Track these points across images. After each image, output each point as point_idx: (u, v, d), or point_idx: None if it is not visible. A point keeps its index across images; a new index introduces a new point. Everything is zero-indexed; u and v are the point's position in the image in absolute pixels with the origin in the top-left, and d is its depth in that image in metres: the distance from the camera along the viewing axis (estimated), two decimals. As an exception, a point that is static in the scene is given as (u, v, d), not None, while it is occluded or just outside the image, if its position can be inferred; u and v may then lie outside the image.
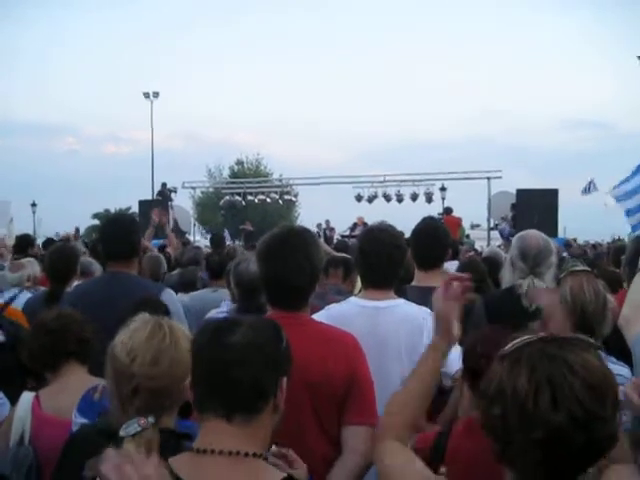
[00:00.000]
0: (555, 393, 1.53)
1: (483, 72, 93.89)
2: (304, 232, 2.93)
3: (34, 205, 39.13)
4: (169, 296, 3.97)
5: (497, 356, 1.68)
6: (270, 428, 1.83)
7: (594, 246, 20.44)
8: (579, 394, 1.52)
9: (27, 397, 3.10)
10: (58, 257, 5.11)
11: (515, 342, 1.66)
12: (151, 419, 2.02)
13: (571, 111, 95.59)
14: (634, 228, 8.49)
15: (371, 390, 2.77)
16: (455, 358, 3.13)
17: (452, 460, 2.42)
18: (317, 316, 3.17)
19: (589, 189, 22.07)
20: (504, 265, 4.54)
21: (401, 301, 3.43)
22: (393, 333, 3.19)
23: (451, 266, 6.98)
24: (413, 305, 3.42)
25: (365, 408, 2.72)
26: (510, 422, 1.56)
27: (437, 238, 4.14)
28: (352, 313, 3.20)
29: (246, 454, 1.72)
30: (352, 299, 3.47)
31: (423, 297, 3.83)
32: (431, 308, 3.60)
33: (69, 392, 2.88)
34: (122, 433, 2.00)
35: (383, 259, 3.35)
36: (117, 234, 4.21)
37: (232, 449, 1.71)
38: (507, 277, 4.31)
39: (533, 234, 4.32)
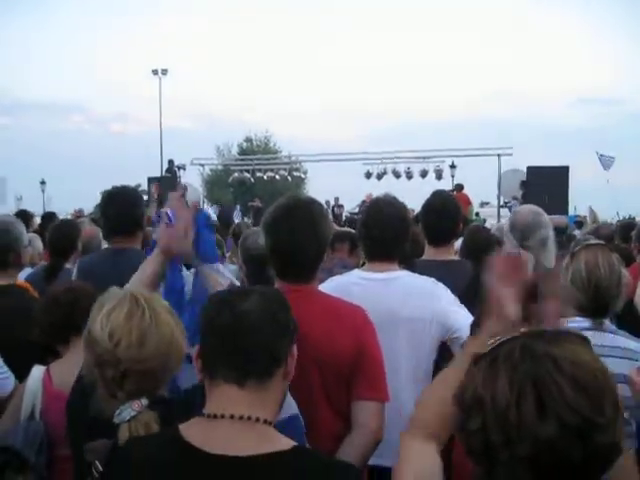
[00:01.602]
0: (541, 398, 1.29)
1: (495, 52, 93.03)
2: (311, 202, 2.86)
3: (43, 183, 39.21)
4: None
5: (472, 358, 1.45)
6: (281, 396, 1.84)
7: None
8: (569, 397, 1.28)
9: (38, 371, 3.07)
10: (59, 232, 5.08)
11: (492, 340, 1.43)
12: (144, 401, 2.00)
13: (583, 89, 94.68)
14: None
15: (381, 365, 2.73)
16: (466, 323, 3.09)
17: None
18: (320, 288, 3.12)
19: (609, 163, 21.91)
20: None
21: (404, 272, 3.36)
22: (398, 304, 3.14)
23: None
24: (417, 276, 3.36)
25: (374, 383, 2.68)
26: (491, 437, 1.32)
27: (447, 212, 4.08)
28: (351, 285, 3.15)
29: (257, 419, 1.72)
30: (355, 271, 3.42)
31: (434, 270, 3.79)
32: (442, 281, 3.61)
33: (79, 366, 2.83)
34: (116, 420, 1.98)
35: (387, 232, 3.29)
36: (120, 208, 4.10)
37: (243, 414, 1.71)
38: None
39: (525, 208, 4.34)
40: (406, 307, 3.16)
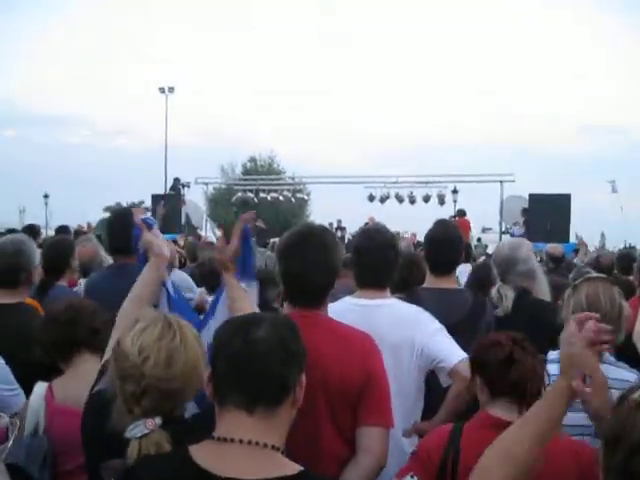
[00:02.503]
0: None
1: (500, 76, 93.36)
2: (324, 231, 2.97)
3: (46, 197, 39.24)
4: (178, 274, 3.99)
5: (618, 397, 1.52)
6: (288, 423, 1.87)
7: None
8: None
9: (41, 387, 3.11)
10: (52, 250, 5.10)
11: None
12: (158, 420, 2.03)
13: (587, 117, 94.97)
14: None
15: (387, 391, 2.78)
16: (451, 352, 3.17)
17: (468, 455, 2.39)
18: None
19: (614, 188, 22.04)
20: None
21: (393, 300, 3.45)
22: (387, 331, 3.17)
23: (464, 268, 7.01)
24: (405, 304, 3.45)
25: (380, 409, 2.74)
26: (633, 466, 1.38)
27: (450, 243, 4.13)
28: (346, 311, 3.18)
29: (265, 445, 1.75)
30: (346, 298, 3.48)
31: (435, 299, 3.86)
32: (443, 309, 3.68)
33: (81, 382, 2.86)
34: (128, 435, 2.01)
35: (377, 259, 3.37)
36: (118, 228, 4.30)
37: (252, 439, 1.75)
38: None
39: (503, 243, 4.51)
40: (391, 334, 3.20)
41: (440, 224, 4.39)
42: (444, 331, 3.31)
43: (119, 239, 4.28)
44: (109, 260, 6.18)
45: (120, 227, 4.26)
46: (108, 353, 2.48)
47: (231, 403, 1.79)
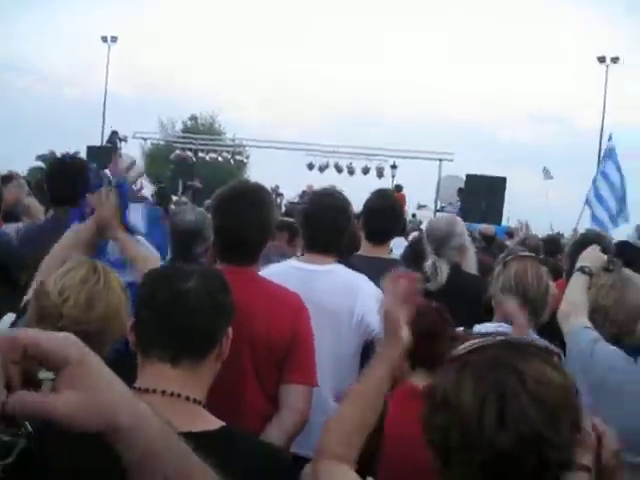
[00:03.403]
0: (503, 410, 1.33)
1: (458, 55, 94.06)
2: (260, 189, 2.94)
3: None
4: None
5: (446, 358, 1.49)
6: (212, 376, 1.85)
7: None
8: (529, 413, 1.32)
9: (9, 318, 3.04)
10: None
11: (467, 344, 1.46)
12: None
13: (534, 106, 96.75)
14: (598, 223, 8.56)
15: (312, 351, 2.80)
16: None
17: (393, 425, 2.41)
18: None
19: (548, 174, 22.49)
20: None
21: (339, 266, 3.39)
22: (328, 297, 3.16)
23: (398, 241, 7.07)
24: (350, 271, 3.39)
25: (305, 368, 2.75)
26: (451, 438, 1.37)
27: (393, 213, 4.15)
28: (288, 274, 3.15)
29: (187, 398, 1.72)
30: (290, 261, 3.44)
31: (369, 267, 3.87)
32: (376, 278, 3.69)
33: None
34: (41, 375, 1.96)
35: (326, 223, 3.31)
36: (65, 177, 4.12)
37: (174, 391, 1.71)
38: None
39: (440, 218, 4.53)
40: (334, 301, 3.18)
41: (380, 193, 4.40)
42: None
43: (60, 190, 4.11)
44: (36, 206, 6.03)
45: (61, 177, 4.13)
46: (29, 294, 2.42)
47: (154, 354, 1.75)
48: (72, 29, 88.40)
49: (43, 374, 1.82)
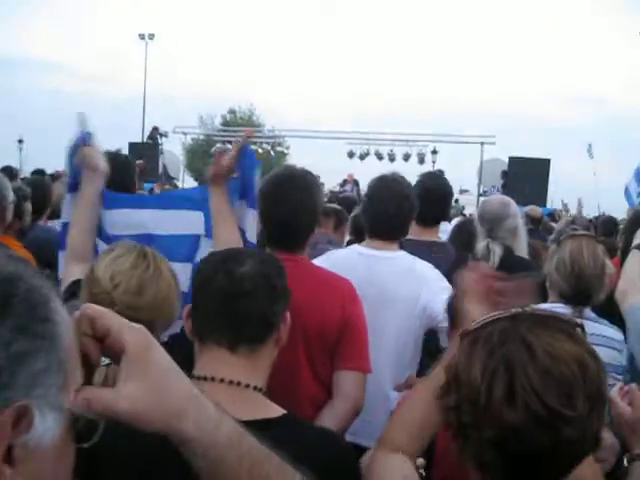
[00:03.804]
0: (511, 384, 1.28)
1: (488, 39, 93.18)
2: (306, 174, 2.90)
3: (21, 142, 38.61)
4: None
5: (461, 333, 1.45)
6: (270, 362, 1.82)
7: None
8: (538, 387, 1.26)
9: None
10: (32, 189, 5.01)
11: (481, 319, 1.42)
12: None
13: (572, 86, 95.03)
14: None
15: (364, 337, 2.76)
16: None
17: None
18: (318, 260, 3.15)
19: (591, 154, 22.16)
20: None
21: (402, 253, 3.35)
22: (392, 284, 3.12)
23: (443, 226, 6.98)
24: (416, 258, 3.33)
25: (357, 354, 2.72)
26: (463, 417, 1.34)
27: (444, 196, 4.09)
28: (352, 259, 3.13)
29: (247, 385, 1.70)
30: (355, 246, 3.40)
31: (418, 251, 3.82)
32: (425, 260, 3.63)
33: None
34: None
35: (391, 209, 3.26)
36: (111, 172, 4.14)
37: (234, 379, 1.68)
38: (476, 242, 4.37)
39: (493, 199, 4.42)
40: (399, 288, 3.14)
41: (433, 176, 4.33)
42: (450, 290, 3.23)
43: (112, 183, 4.15)
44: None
45: (115, 171, 4.14)
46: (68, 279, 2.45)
47: (213, 341, 1.73)
48: (110, 28, 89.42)
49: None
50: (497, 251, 4.07)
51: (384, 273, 3.15)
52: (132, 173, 4.18)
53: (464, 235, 4.84)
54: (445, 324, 3.09)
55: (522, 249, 4.49)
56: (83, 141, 2.92)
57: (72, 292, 2.44)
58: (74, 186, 2.94)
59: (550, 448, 1.27)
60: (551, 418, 1.26)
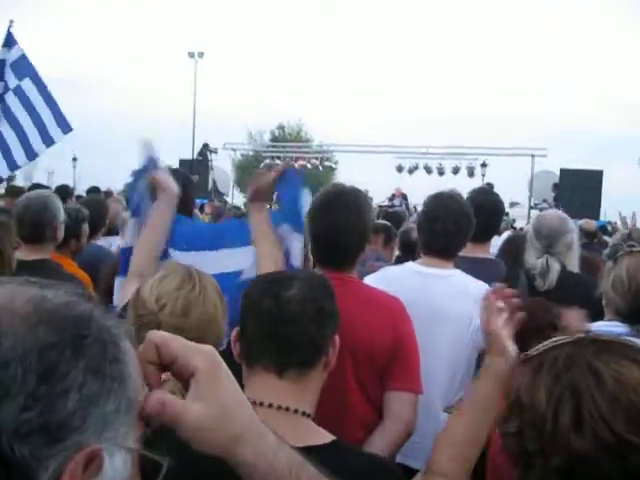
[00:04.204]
0: (579, 411, 1.25)
1: (534, 50, 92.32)
2: (356, 191, 2.87)
3: (75, 160, 39.45)
4: None
5: (520, 359, 1.44)
6: (319, 387, 1.80)
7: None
8: (606, 414, 1.23)
9: None
10: (88, 209, 5.11)
11: (543, 344, 1.39)
12: None
13: (621, 93, 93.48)
14: None
15: (416, 357, 2.71)
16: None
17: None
18: (372, 277, 3.12)
19: None
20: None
21: (458, 272, 3.29)
22: (447, 303, 3.06)
23: (493, 240, 6.90)
24: (470, 277, 3.27)
25: (409, 375, 2.67)
26: (527, 443, 1.30)
27: (495, 212, 4.01)
28: (406, 277, 3.08)
29: (295, 411, 1.68)
30: (409, 264, 3.35)
31: (469, 268, 3.76)
32: (476, 277, 3.57)
33: None
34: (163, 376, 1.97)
35: (450, 227, 3.21)
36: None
37: (282, 404, 1.66)
38: (527, 257, 4.25)
39: (550, 213, 4.30)
40: (453, 307, 3.08)
41: (484, 192, 4.26)
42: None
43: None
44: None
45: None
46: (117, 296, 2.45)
47: (260, 365, 1.71)
48: (160, 46, 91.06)
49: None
50: (556, 267, 3.97)
51: (438, 292, 3.09)
52: (191, 189, 4.23)
53: (513, 249, 4.77)
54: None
55: (574, 264, 4.38)
56: (151, 166, 2.94)
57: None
58: (137, 210, 2.94)
59: (618, 477, 1.23)
60: (620, 446, 1.22)
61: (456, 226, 3.22)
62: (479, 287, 3.19)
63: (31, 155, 7.39)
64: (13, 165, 7.35)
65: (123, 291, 2.81)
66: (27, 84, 6.88)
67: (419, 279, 3.15)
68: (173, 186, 2.89)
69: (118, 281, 2.93)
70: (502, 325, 1.92)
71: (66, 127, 7.44)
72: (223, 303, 2.16)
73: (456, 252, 3.33)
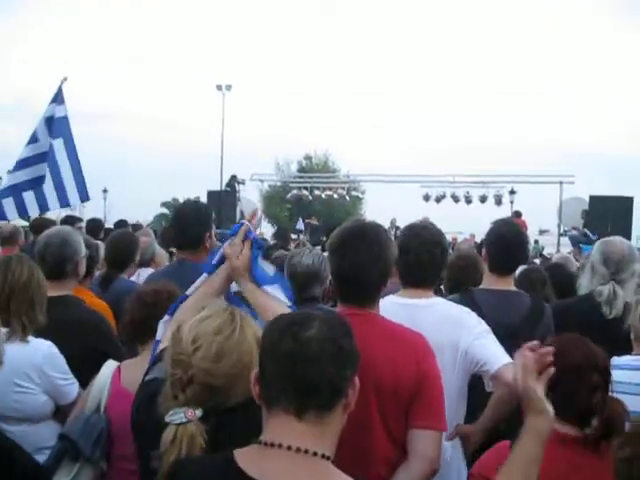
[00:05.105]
0: None
1: (557, 75, 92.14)
2: (377, 227, 2.86)
3: (105, 191, 39.96)
4: None
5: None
6: (339, 428, 1.77)
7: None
8: None
9: (109, 367, 3.12)
10: (119, 244, 5.20)
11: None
12: (199, 412, 1.99)
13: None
14: None
15: (441, 394, 2.69)
16: (495, 356, 3.03)
17: None
18: None
19: None
20: (583, 271, 4.41)
21: (439, 300, 3.32)
22: (434, 332, 2.99)
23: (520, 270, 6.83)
24: (451, 304, 3.31)
25: (433, 412, 2.64)
26: (634, 470, 1.43)
27: (519, 244, 3.97)
28: (390, 310, 3.00)
29: (314, 453, 1.66)
30: (390, 297, 3.30)
31: (493, 301, 3.73)
32: (502, 312, 3.54)
33: None
34: (167, 419, 1.99)
35: (423, 257, 3.23)
36: (184, 223, 4.36)
37: (301, 446, 1.65)
38: (585, 283, 4.17)
39: (618, 239, 4.21)
40: (436, 335, 3.00)
41: (506, 223, 4.23)
42: (490, 334, 3.15)
43: (184, 234, 4.34)
44: (161, 253, 6.30)
45: (187, 222, 4.33)
46: (165, 341, 2.45)
47: (279, 407, 1.70)
48: (188, 80, 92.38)
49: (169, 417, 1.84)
50: (622, 295, 3.90)
51: (426, 322, 3.05)
52: (203, 224, 4.29)
53: (526, 283, 4.71)
54: (486, 368, 3.03)
55: (631, 294, 4.26)
56: (233, 234, 2.89)
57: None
58: (212, 267, 2.92)
59: None
60: None
61: (429, 256, 3.23)
62: (461, 312, 3.23)
63: (43, 208, 7.59)
64: (24, 211, 7.54)
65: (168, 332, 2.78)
66: (59, 144, 7.05)
67: (405, 311, 3.11)
68: (236, 264, 2.84)
69: (163, 320, 2.93)
70: (537, 383, 1.97)
71: (84, 196, 7.68)
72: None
73: (433, 282, 3.36)
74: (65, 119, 6.13)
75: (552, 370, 2.00)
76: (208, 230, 4.27)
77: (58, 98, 6.56)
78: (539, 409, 1.95)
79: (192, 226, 4.28)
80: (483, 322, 3.20)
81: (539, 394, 1.95)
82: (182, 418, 1.97)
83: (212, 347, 2.05)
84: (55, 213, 9.92)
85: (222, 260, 2.83)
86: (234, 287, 2.87)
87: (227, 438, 1.87)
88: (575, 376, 2.31)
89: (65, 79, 5.89)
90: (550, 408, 1.95)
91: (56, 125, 6.87)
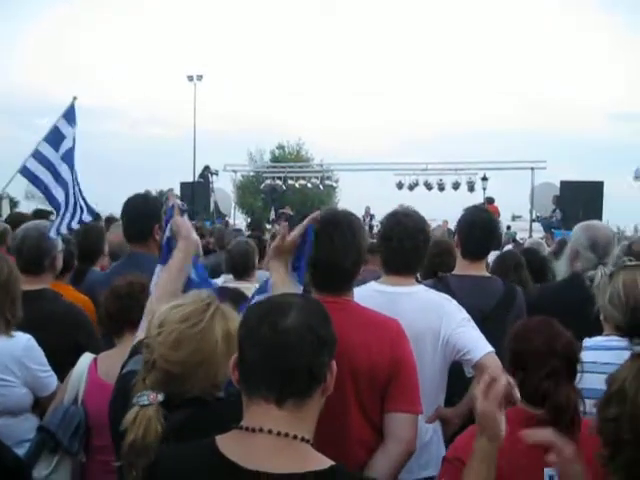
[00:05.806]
0: None
1: (530, 63, 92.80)
2: (350, 215, 2.90)
3: (77, 183, 39.53)
4: None
5: (632, 353, 1.51)
6: (317, 412, 1.80)
7: None
8: None
9: (86, 359, 3.16)
10: (84, 237, 5.18)
11: None
12: (160, 397, 2.04)
13: (620, 103, 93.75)
14: None
15: (415, 378, 2.73)
16: (477, 344, 3.07)
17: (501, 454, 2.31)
18: None
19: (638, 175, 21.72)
20: (561, 255, 4.47)
21: (421, 287, 3.33)
22: (412, 320, 3.02)
23: (492, 256, 6.89)
24: (432, 292, 3.32)
25: (409, 396, 2.69)
26: (623, 430, 1.39)
27: (490, 230, 4.02)
28: (370, 297, 3.06)
29: (294, 437, 1.69)
30: (371, 284, 3.34)
31: (466, 286, 3.78)
32: (473, 297, 3.58)
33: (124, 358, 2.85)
34: (134, 400, 2.05)
35: (406, 244, 3.22)
36: (133, 215, 4.37)
37: (281, 430, 1.68)
38: (564, 268, 4.23)
39: (600, 224, 4.31)
40: (416, 322, 3.06)
41: (476, 209, 4.28)
42: (471, 322, 3.18)
43: (132, 226, 4.35)
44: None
45: (134, 214, 4.35)
46: (141, 333, 2.48)
47: (259, 394, 1.72)
48: (159, 70, 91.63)
49: (136, 399, 1.87)
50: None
51: (407, 309, 3.08)
52: (149, 215, 4.30)
53: (504, 269, 4.78)
54: (469, 357, 3.07)
55: None
56: (170, 214, 2.99)
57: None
58: (165, 259, 2.95)
59: None
60: None
61: (413, 243, 3.23)
62: (442, 300, 3.25)
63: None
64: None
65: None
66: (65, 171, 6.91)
67: (386, 298, 3.14)
68: (190, 233, 2.91)
69: (158, 268, 2.96)
70: (498, 411, 1.99)
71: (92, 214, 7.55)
72: (228, 346, 2.13)
73: (416, 269, 3.37)
74: (71, 151, 5.96)
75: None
76: (157, 222, 4.23)
77: (71, 118, 6.28)
78: (492, 435, 2.00)
79: (141, 218, 4.29)
80: (463, 309, 3.22)
81: (498, 421, 1.98)
82: (144, 400, 2.03)
83: (171, 335, 2.09)
84: (25, 206, 9.79)
85: (170, 248, 2.90)
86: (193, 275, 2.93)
87: (191, 432, 1.89)
88: (534, 361, 2.39)
89: (75, 98, 5.71)
90: (503, 433, 1.99)
91: (65, 153, 6.71)
